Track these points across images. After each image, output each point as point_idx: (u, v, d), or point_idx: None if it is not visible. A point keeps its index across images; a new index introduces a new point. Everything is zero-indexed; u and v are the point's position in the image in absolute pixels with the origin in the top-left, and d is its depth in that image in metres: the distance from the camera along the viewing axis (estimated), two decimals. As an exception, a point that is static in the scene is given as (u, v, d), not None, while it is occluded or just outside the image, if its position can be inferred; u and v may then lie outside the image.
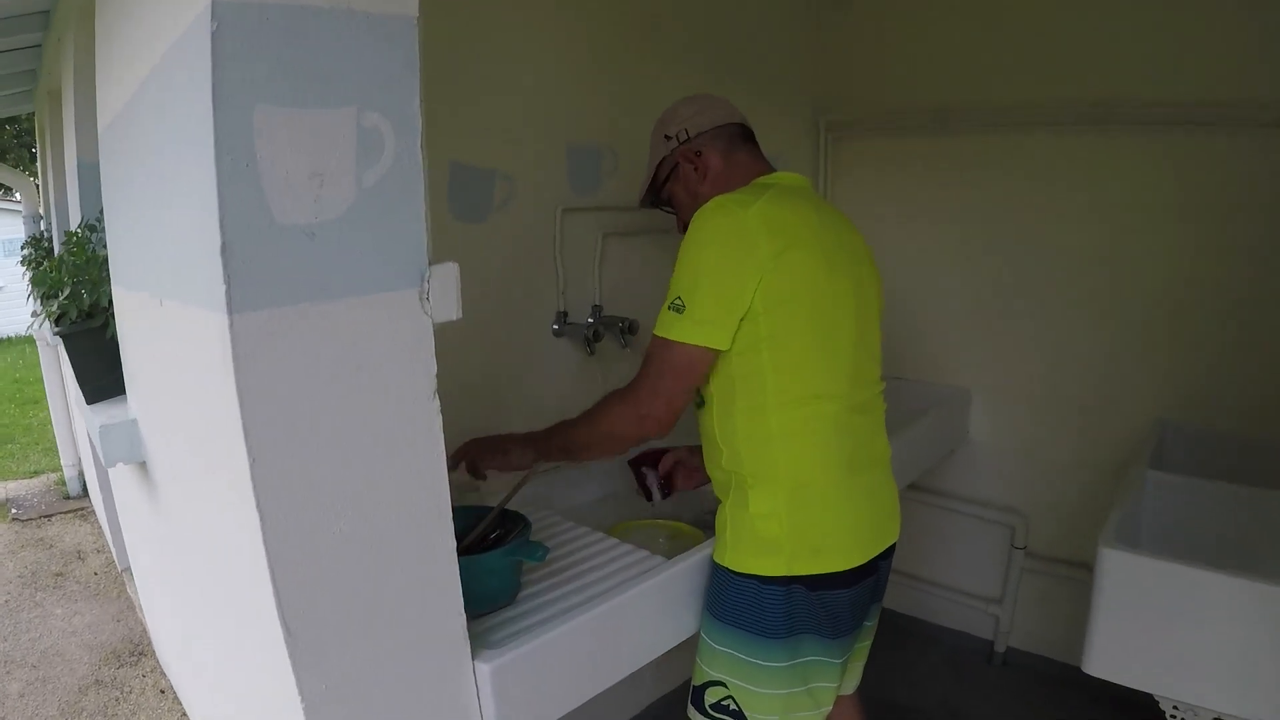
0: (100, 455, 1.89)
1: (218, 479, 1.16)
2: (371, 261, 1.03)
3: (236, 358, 0.95)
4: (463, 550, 1.45)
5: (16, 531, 4.51)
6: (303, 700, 1.07)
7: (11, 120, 7.21)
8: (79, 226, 2.26)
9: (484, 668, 1.25)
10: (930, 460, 2.91)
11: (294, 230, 0.96)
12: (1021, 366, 2.87)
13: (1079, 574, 2.70)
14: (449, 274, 1.11)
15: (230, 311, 0.93)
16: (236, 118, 0.91)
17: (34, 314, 2.13)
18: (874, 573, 1.61)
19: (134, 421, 1.87)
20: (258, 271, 0.94)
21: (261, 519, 0.99)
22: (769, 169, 1.67)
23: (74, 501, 4.98)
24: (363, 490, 1.06)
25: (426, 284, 1.08)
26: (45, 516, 4.73)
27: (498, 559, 1.38)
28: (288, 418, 0.99)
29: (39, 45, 3.35)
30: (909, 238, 3.02)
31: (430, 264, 1.09)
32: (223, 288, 0.93)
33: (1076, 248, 2.67)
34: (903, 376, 3.11)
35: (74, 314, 2.00)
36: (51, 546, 4.29)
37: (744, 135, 1.70)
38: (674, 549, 1.79)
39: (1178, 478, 2.20)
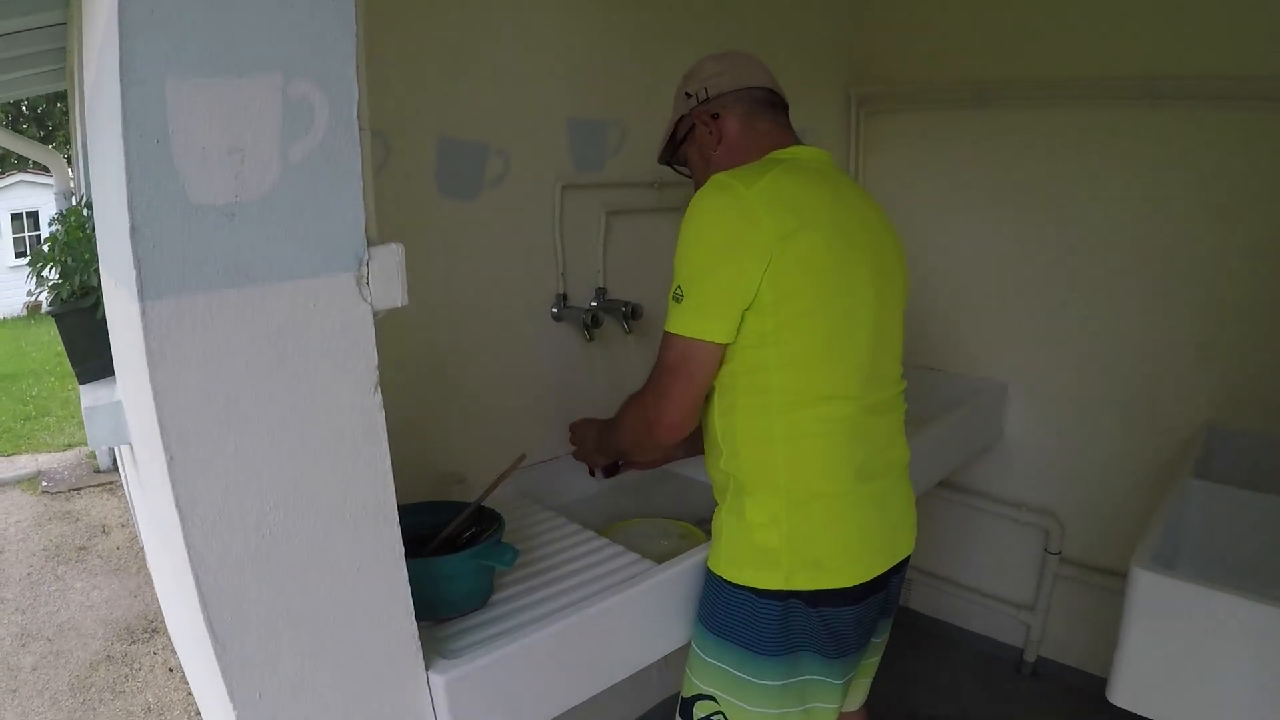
0: (88, 436, 1.85)
1: (157, 470, 1.09)
2: (299, 244, 0.94)
3: (149, 348, 0.87)
4: (433, 549, 1.38)
5: (45, 504, 4.57)
6: (235, 709, 1.00)
7: (62, 97, 7.31)
8: (79, 203, 2.22)
9: (438, 679, 1.17)
10: (961, 458, 2.78)
11: (211, 211, 0.88)
12: (1062, 361, 2.72)
13: (1116, 584, 2.55)
14: (391, 256, 1.01)
15: (141, 298, 0.85)
16: (146, 91, 0.82)
17: (28, 293, 2.09)
18: (883, 588, 1.49)
19: (119, 404, 1.82)
20: (170, 256, 0.86)
21: (181, 518, 0.92)
22: (793, 141, 1.53)
23: (104, 475, 5.04)
24: (290, 490, 0.98)
25: (365, 268, 0.99)
26: (74, 490, 4.79)
27: (460, 562, 1.29)
28: (206, 412, 0.91)
29: (64, 23, 3.34)
30: (944, 219, 2.88)
31: (370, 245, 0.99)
32: (133, 272, 0.85)
33: (1124, 234, 2.51)
34: (935, 368, 2.98)
35: (65, 293, 1.96)
36: (78, 520, 4.33)
37: (770, 102, 1.55)
38: (675, 550, 1.69)
39: (1225, 489, 2.04)
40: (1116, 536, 2.63)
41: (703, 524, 1.86)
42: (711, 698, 1.47)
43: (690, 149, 1.61)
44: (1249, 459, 2.31)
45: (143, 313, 0.86)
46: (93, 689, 2.84)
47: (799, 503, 1.38)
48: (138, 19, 0.81)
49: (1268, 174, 2.24)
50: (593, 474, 1.91)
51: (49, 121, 16.69)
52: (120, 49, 0.81)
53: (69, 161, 5.16)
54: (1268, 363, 2.33)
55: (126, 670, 2.95)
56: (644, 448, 1.53)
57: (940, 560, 3.12)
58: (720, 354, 1.36)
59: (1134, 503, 2.57)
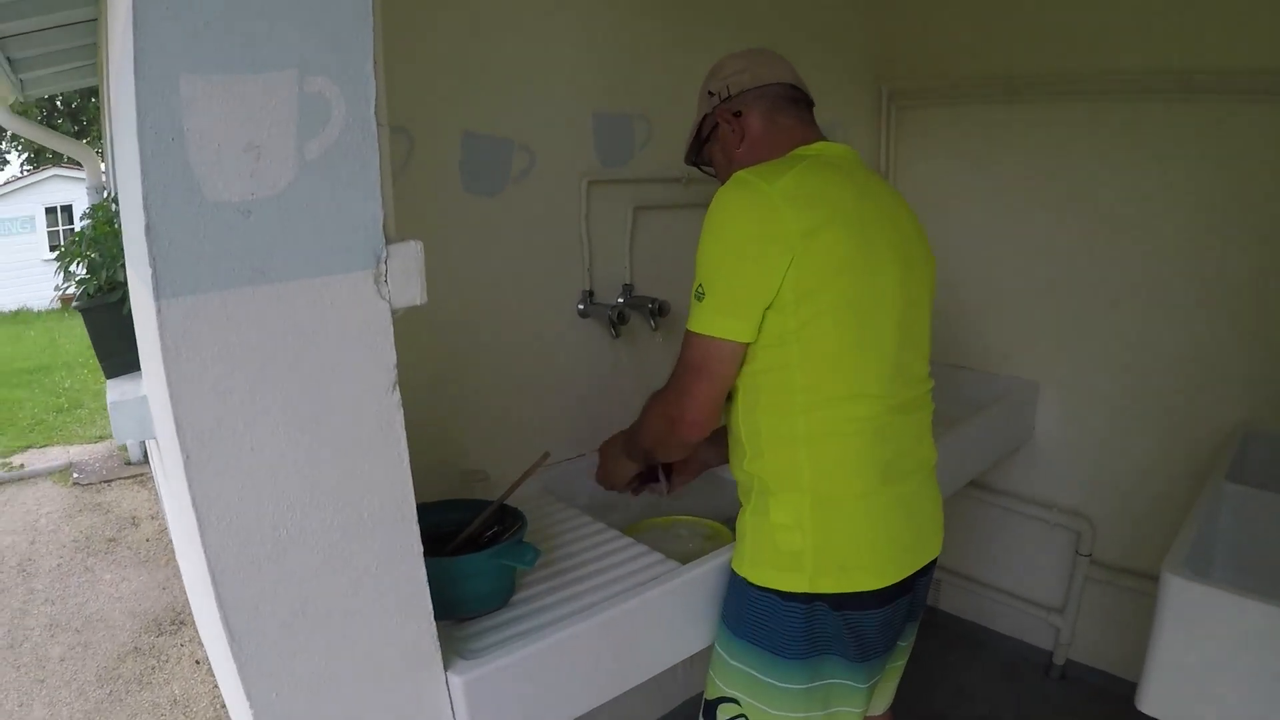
0: (113, 431, 1.86)
1: (175, 468, 1.09)
2: (316, 241, 0.93)
3: (165, 346, 0.87)
4: (455, 548, 1.37)
5: (76, 496, 4.62)
6: (252, 707, 1.00)
7: (95, 92, 7.41)
8: (107, 199, 2.23)
9: (457, 680, 1.17)
10: (991, 458, 2.74)
11: (227, 208, 0.87)
12: (1094, 360, 2.67)
13: (1149, 587, 2.48)
14: (410, 254, 1.00)
15: (157, 296, 0.85)
16: (160, 88, 0.82)
17: (55, 288, 2.10)
18: (909, 591, 1.46)
19: (144, 399, 1.83)
20: (186, 253, 0.86)
21: (198, 517, 0.92)
22: (817, 137, 1.50)
23: (134, 467, 5.09)
24: (308, 490, 0.97)
25: (383, 265, 0.98)
26: (105, 482, 4.84)
27: (480, 562, 1.28)
28: (223, 411, 0.91)
29: (95, 19, 3.36)
30: (976, 215, 2.84)
31: (389, 243, 0.98)
32: (149, 270, 0.84)
33: (1159, 232, 2.46)
34: (965, 366, 2.94)
35: (92, 288, 1.96)
36: (108, 512, 4.37)
37: (793, 98, 1.53)
38: (702, 551, 1.67)
39: (1260, 493, 1.99)
40: (1149, 539, 2.58)
41: (730, 523, 1.83)
42: (735, 700, 1.46)
43: (714, 148, 1.59)
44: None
45: (159, 311, 0.85)
46: (120, 680, 2.87)
47: (823, 504, 1.36)
48: (152, 15, 0.80)
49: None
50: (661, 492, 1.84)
51: (83, 116, 16.89)
52: (135, 45, 0.80)
53: (100, 156, 5.20)
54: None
55: (154, 662, 2.97)
56: (667, 446, 1.51)
57: (969, 561, 3.08)
58: (742, 353, 1.34)
59: (1167, 505, 2.52)
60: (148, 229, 0.83)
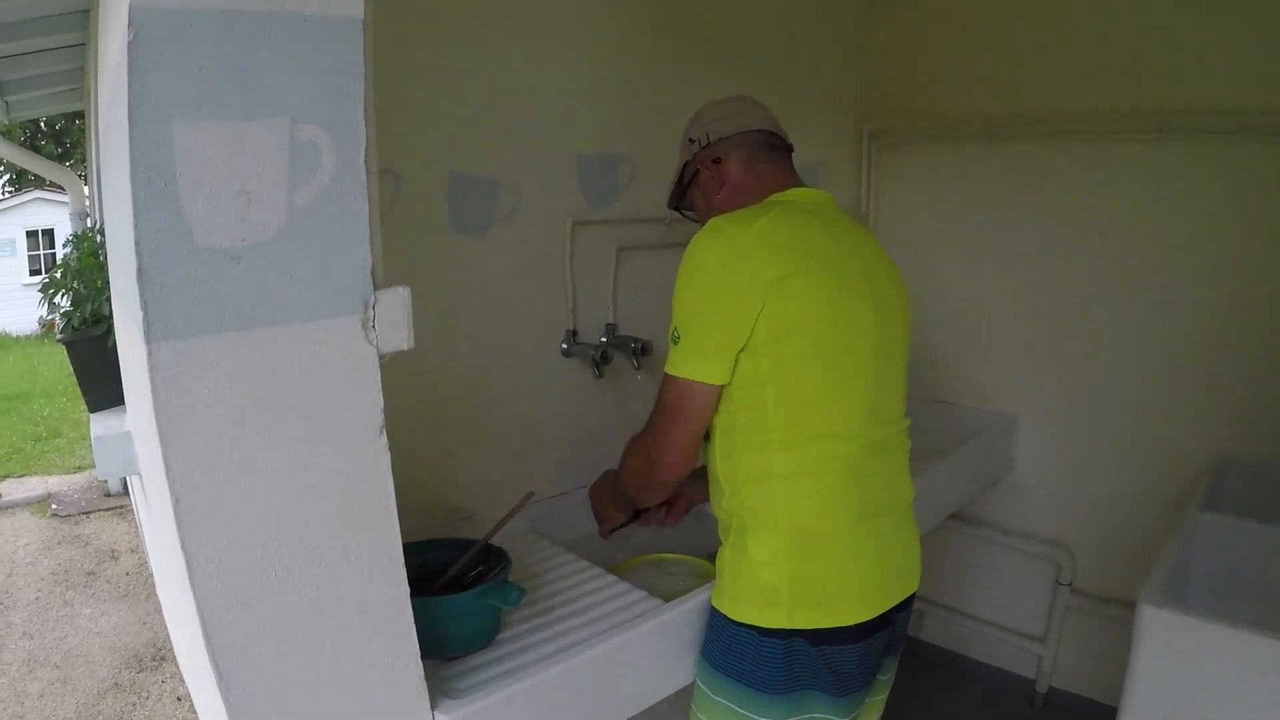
0: (97, 465, 1.86)
1: (163, 509, 1.10)
2: (305, 287, 0.94)
3: (155, 388, 0.87)
4: (440, 587, 1.38)
5: (55, 527, 4.58)
6: (238, 746, 0.99)
7: (80, 115, 7.42)
8: (91, 229, 2.23)
9: (443, 718, 1.16)
10: (972, 490, 2.77)
11: (218, 253, 0.89)
12: (1072, 393, 2.72)
13: (1128, 615, 2.45)
14: (397, 300, 1.01)
15: (148, 340, 0.86)
16: (154, 133, 0.84)
17: (40, 319, 2.10)
18: (887, 626, 1.48)
19: (128, 434, 1.82)
20: (177, 298, 0.87)
21: (187, 559, 0.92)
22: (794, 183, 1.54)
23: (114, 499, 5.04)
24: (296, 532, 0.98)
25: (371, 311, 0.99)
26: (84, 513, 4.80)
27: (465, 602, 1.29)
28: (212, 453, 0.92)
29: (83, 44, 3.37)
30: (954, 253, 2.89)
31: (377, 289, 0.99)
32: (140, 314, 0.85)
33: (1133, 265, 2.52)
34: (945, 400, 2.98)
35: (76, 320, 1.96)
36: (87, 544, 4.34)
37: (771, 144, 1.57)
38: (687, 588, 1.68)
39: (1234, 521, 2.02)
40: (1128, 568, 2.61)
41: (714, 559, 1.85)
42: (717, 735, 1.46)
43: (695, 193, 1.63)
44: (1261, 490, 2.29)
45: (149, 354, 0.86)
46: (100, 717, 2.84)
47: (800, 541, 1.38)
48: (147, 61, 0.82)
49: (1273, 204, 2.25)
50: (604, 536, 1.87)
51: (67, 139, 16.82)
52: (130, 90, 0.82)
53: (84, 180, 5.18)
54: (1278, 393, 2.32)
55: (134, 699, 2.94)
56: (647, 487, 1.54)
57: (952, 591, 3.10)
58: (716, 395, 1.38)
59: (1145, 534, 2.55)
60: (140, 273, 0.84)
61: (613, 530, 1.82)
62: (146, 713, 2.86)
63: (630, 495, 1.62)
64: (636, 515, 1.81)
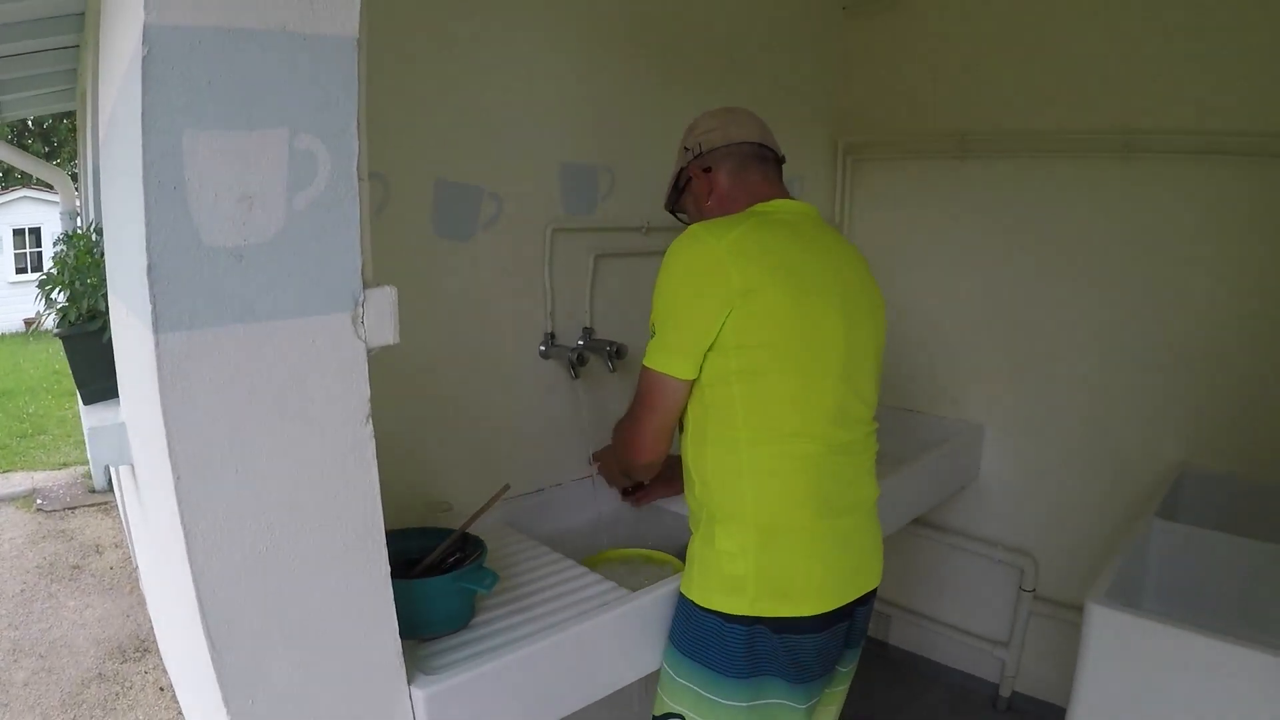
0: (90, 456, 1.92)
1: (163, 490, 1.17)
2: (301, 284, 1.02)
3: (161, 376, 0.95)
4: (419, 573, 1.45)
5: (40, 522, 4.61)
6: (229, 714, 1.07)
7: (69, 114, 7.44)
8: (87, 228, 2.30)
9: (420, 693, 1.24)
10: (938, 496, 2.84)
11: (221, 252, 0.96)
12: (1038, 403, 2.80)
13: None
14: (385, 298, 1.10)
15: (156, 330, 0.93)
16: (165, 141, 0.91)
17: (37, 314, 2.16)
18: (848, 618, 1.56)
19: (123, 425, 1.89)
20: (183, 292, 0.94)
21: (185, 534, 0.99)
22: (779, 194, 1.62)
23: (98, 495, 5.07)
24: (286, 512, 1.06)
25: (361, 308, 1.07)
26: (69, 509, 4.83)
27: (442, 585, 1.37)
28: (211, 437, 0.99)
29: (76, 46, 3.43)
30: (927, 264, 2.97)
31: (366, 288, 1.08)
32: (149, 307, 0.93)
33: (1101, 280, 2.59)
34: (914, 409, 3.06)
35: (73, 316, 2.03)
36: (72, 539, 4.37)
37: (761, 156, 1.65)
38: (654, 581, 1.76)
39: (1186, 528, 2.10)
40: (1089, 575, 2.63)
41: (683, 555, 1.92)
42: (680, 716, 1.53)
43: (687, 199, 1.72)
44: (1218, 499, 2.37)
45: (156, 344, 0.94)
46: (84, 706, 2.89)
47: (766, 534, 1.46)
48: (159, 75, 0.90)
49: (1235, 227, 2.33)
50: (625, 496, 2.09)
51: (54, 138, 16.77)
52: (143, 101, 0.89)
53: (74, 180, 5.21)
54: (1237, 405, 2.40)
55: (118, 688, 2.99)
56: (629, 468, 1.65)
57: (917, 597, 3.18)
58: (685, 389, 1.48)
59: (1106, 542, 2.61)
60: (149, 269, 0.92)
61: (629, 494, 2.06)
62: (129, 702, 2.91)
63: (621, 469, 1.78)
64: (640, 486, 1.98)
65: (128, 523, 3.85)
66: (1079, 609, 2.63)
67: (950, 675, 3.14)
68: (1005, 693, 2.96)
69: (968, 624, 3.07)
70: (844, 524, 1.54)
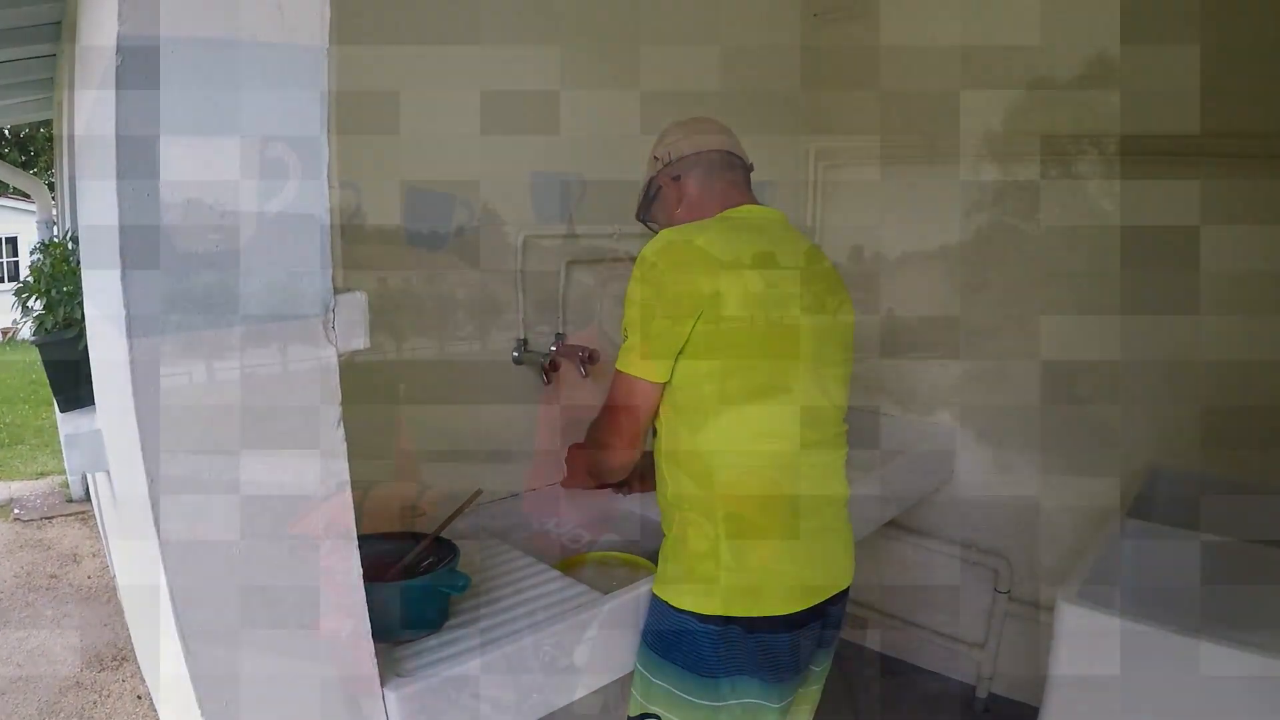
0: (66, 462, 1.92)
1: (137, 494, 1.18)
2: (273, 290, 1.03)
3: (135, 381, 0.96)
4: (392, 576, 1.46)
5: (17, 532, 4.58)
6: (203, 716, 1.07)
7: (45, 123, 7.41)
8: (64, 236, 2.30)
9: (393, 695, 1.25)
10: (911, 498, 2.87)
11: (194, 258, 0.98)
12: (1011, 405, 2.82)
13: None
14: (355, 303, 1.11)
15: (129, 336, 0.95)
16: (138, 149, 0.92)
17: (13, 323, 2.16)
18: (820, 617, 1.57)
19: (98, 431, 1.89)
20: (157, 298, 0.96)
21: (161, 540, 1.00)
22: (746, 201, 1.64)
23: (76, 505, 5.05)
24: (259, 512, 1.07)
25: (331, 313, 1.09)
26: (46, 518, 4.80)
27: (416, 587, 1.38)
28: (184, 438, 1.00)
29: (54, 55, 3.42)
30: (900, 269, 3.00)
31: (336, 293, 1.09)
32: (122, 312, 0.94)
33: (1074, 283, 2.63)
34: (889, 412, 3.09)
35: (49, 324, 2.02)
36: (49, 548, 4.35)
37: (729, 164, 1.67)
38: (628, 582, 1.77)
39: (1156, 527, 2.13)
40: (1063, 576, 2.68)
41: (656, 558, 1.94)
42: (656, 716, 1.55)
43: (658, 207, 1.74)
44: (1188, 498, 2.37)
45: (130, 349, 0.95)
46: (61, 715, 2.88)
47: (736, 534, 1.48)
48: (135, 83, 0.91)
49: (1196, 221, 2.35)
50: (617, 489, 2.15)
51: (31, 147, 16.63)
52: (116, 110, 0.91)
53: (51, 189, 5.18)
54: (1208, 406, 2.42)
55: (95, 697, 2.98)
56: (600, 469, 1.67)
57: (893, 599, 3.20)
58: (657, 392, 1.49)
59: (1080, 543, 2.63)
60: (124, 275, 0.93)
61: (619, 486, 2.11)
62: (107, 710, 2.90)
63: (592, 472, 1.82)
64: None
65: (105, 531, 3.84)
66: (1053, 610, 2.70)
67: (927, 677, 3.16)
68: (982, 694, 2.98)
69: (944, 626, 3.09)
70: (815, 523, 1.55)
